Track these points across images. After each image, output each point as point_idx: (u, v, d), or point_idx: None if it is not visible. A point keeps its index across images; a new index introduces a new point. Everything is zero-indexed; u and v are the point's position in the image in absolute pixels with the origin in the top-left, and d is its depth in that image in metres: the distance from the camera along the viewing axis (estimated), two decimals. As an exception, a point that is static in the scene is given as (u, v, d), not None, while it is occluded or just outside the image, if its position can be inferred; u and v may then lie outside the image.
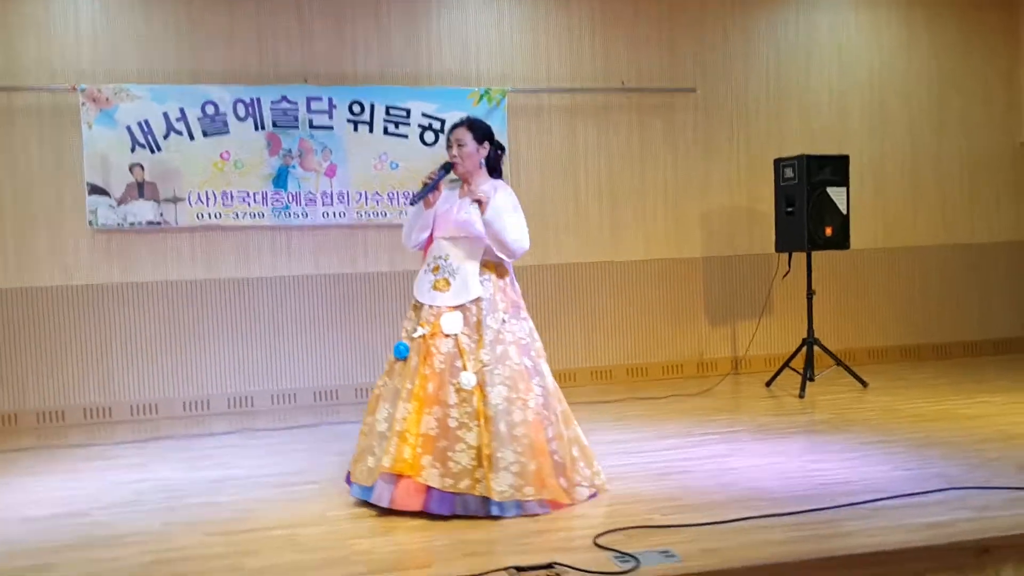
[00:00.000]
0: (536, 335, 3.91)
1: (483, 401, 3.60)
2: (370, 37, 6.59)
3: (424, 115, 6.59)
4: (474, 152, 3.85)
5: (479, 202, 3.70)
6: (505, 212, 3.74)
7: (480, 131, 3.89)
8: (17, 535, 3.57)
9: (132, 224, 6.18)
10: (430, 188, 3.79)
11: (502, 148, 4.04)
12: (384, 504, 3.56)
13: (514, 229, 3.75)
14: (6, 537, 3.55)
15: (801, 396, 5.91)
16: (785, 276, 6.56)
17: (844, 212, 6.17)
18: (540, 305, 6.82)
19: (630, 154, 7.03)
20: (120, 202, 6.17)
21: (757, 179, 7.05)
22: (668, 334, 7.12)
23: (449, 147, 3.88)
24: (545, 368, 3.87)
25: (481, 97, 6.66)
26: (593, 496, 3.76)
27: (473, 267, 3.77)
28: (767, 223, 6.89)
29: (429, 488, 3.54)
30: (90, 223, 6.12)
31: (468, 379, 3.62)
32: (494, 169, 3.98)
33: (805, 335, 6.32)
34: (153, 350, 6.27)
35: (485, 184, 3.87)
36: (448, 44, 6.73)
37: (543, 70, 6.88)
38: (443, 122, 6.56)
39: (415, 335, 3.73)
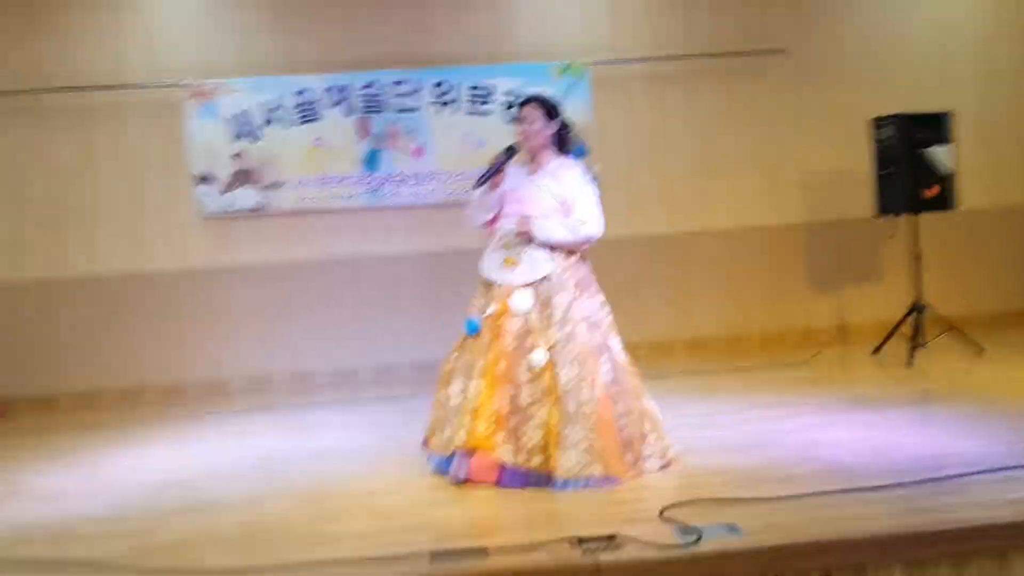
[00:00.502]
0: (607, 310, 3.92)
1: (554, 379, 3.64)
2: (452, 17, 6.67)
3: (508, 92, 6.61)
4: (542, 129, 3.86)
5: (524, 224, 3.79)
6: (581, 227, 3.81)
7: (549, 108, 3.90)
8: (128, 501, 3.85)
9: (236, 210, 6.46)
10: (492, 173, 3.82)
11: (570, 125, 4.02)
12: (461, 477, 3.65)
13: (574, 226, 3.81)
14: (119, 503, 3.82)
15: (909, 364, 5.70)
16: (891, 238, 6.28)
17: (947, 171, 5.88)
18: (631, 278, 6.80)
19: (719, 121, 6.89)
20: (225, 190, 6.44)
21: (855, 140, 6.78)
22: (768, 303, 6.96)
23: (518, 123, 3.89)
24: (615, 343, 3.88)
25: (564, 71, 6.64)
26: (665, 467, 3.77)
27: (542, 244, 3.79)
28: (868, 186, 6.64)
29: (502, 464, 3.61)
30: (198, 211, 6.42)
31: (539, 357, 3.66)
32: (563, 147, 3.98)
33: (914, 301, 6.06)
34: (261, 328, 6.56)
35: (554, 161, 3.87)
36: (528, 19, 6.74)
37: (626, 40, 6.80)
38: (529, 98, 6.58)
39: (486, 313, 3.78)
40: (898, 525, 2.89)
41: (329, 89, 6.51)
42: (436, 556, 2.91)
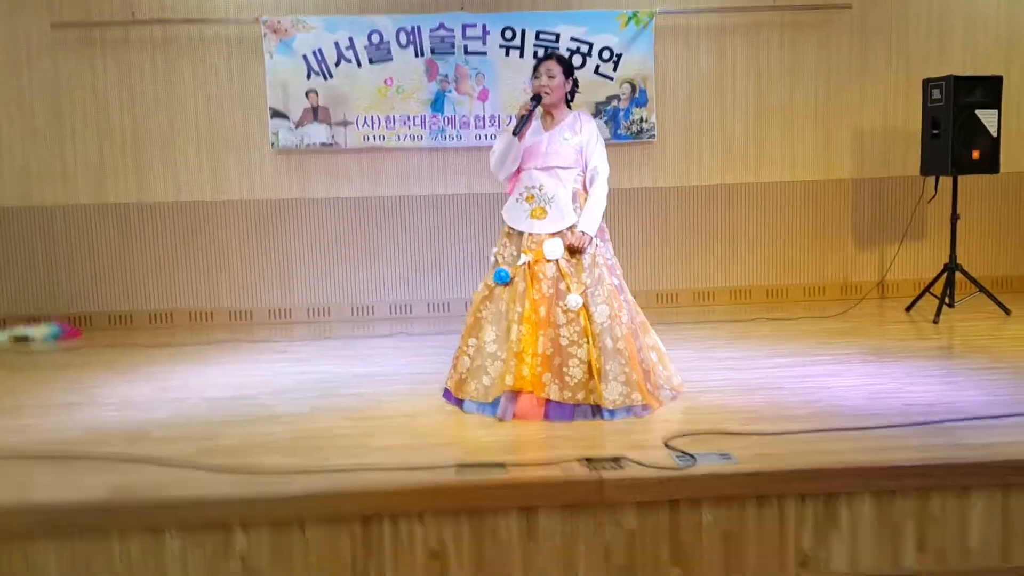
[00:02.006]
0: (613, 253, 4.31)
1: (589, 320, 4.03)
2: (522, -37, 6.93)
3: (573, 39, 6.89)
4: (561, 84, 4.16)
5: (578, 240, 4.08)
6: (598, 183, 4.16)
7: (567, 65, 4.20)
8: (195, 412, 4.37)
9: (308, 145, 6.90)
10: (527, 119, 4.08)
11: (577, 83, 4.32)
12: (508, 418, 3.97)
13: (601, 193, 4.17)
14: (186, 413, 4.35)
15: (935, 321, 5.94)
16: (931, 200, 6.48)
17: (994, 135, 6.01)
18: (681, 226, 7.11)
19: (780, 74, 7.07)
20: (297, 125, 6.89)
21: (914, 100, 6.89)
22: (812, 256, 7.21)
23: (537, 77, 4.14)
24: (624, 285, 4.28)
25: (629, 20, 6.87)
26: (674, 398, 4.21)
27: (566, 195, 4.14)
28: (918, 145, 6.76)
29: (548, 400, 3.99)
30: (272, 144, 6.89)
31: (575, 301, 4.02)
32: (570, 103, 4.30)
33: (947, 261, 6.27)
34: (326, 260, 7.05)
35: (569, 115, 4.22)
36: (597, -32, 6.97)
37: (691, -10, 7.00)
38: (591, 45, 6.86)
39: (520, 262, 4.09)
40: (870, 460, 3.24)
41: (400, 31, 6.84)
42: (461, 468, 3.35)
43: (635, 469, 3.25)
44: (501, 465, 3.35)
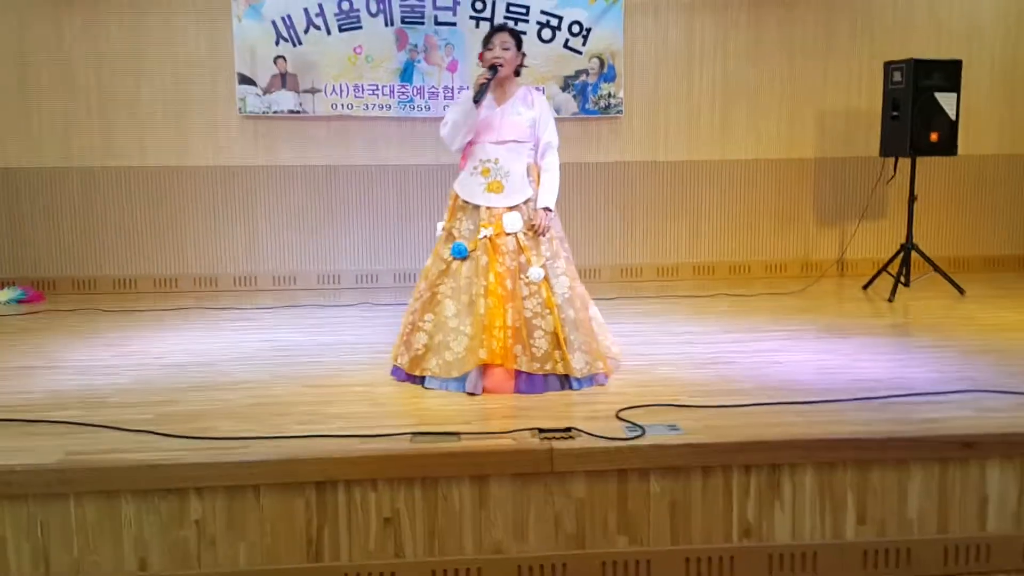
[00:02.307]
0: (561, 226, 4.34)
1: (550, 291, 4.09)
2: (494, -65, 6.89)
3: (543, 12, 6.88)
4: (514, 57, 4.15)
5: (542, 217, 4.13)
6: (551, 156, 4.21)
7: (519, 38, 4.19)
8: (155, 377, 4.38)
9: (275, 112, 6.86)
10: (486, 88, 4.05)
11: (525, 56, 4.30)
12: (479, 392, 3.95)
13: (557, 167, 4.22)
14: (146, 378, 4.36)
15: (890, 300, 6.04)
16: (889, 181, 6.58)
17: (953, 118, 6.10)
18: (646, 201, 7.16)
19: (746, 52, 7.10)
20: (265, 91, 6.84)
21: (877, 81, 6.94)
22: (774, 234, 7.29)
23: (491, 48, 4.10)
24: (571, 257, 4.32)
25: (598, -5, 6.87)
26: (617, 367, 4.32)
27: (521, 169, 4.16)
28: (878, 127, 6.85)
29: (519, 373, 4.02)
30: (239, 109, 6.84)
31: (537, 273, 4.07)
32: (518, 75, 4.29)
33: (903, 241, 6.38)
34: (293, 228, 7.03)
35: (519, 89, 4.23)
36: (568, -59, 6.94)
37: (661, -33, 7.00)
38: (561, 19, 6.86)
39: (480, 235, 4.09)
40: (813, 432, 3.32)
41: (370, -1, 6.82)
42: (415, 436, 3.39)
43: (585, 439, 3.30)
44: (455, 434, 3.39)
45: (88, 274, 6.92)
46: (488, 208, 4.13)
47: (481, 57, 4.19)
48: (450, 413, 3.74)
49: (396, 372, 4.24)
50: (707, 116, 7.15)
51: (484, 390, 3.98)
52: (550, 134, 4.21)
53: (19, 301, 6.45)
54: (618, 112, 7.02)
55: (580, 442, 3.28)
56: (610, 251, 7.21)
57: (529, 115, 4.17)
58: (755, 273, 7.29)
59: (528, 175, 4.18)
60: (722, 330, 5.28)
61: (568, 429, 3.40)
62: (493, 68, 4.09)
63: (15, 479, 3.12)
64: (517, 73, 4.26)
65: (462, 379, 4.01)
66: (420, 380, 4.12)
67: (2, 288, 6.58)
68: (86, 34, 6.74)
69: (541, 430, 3.40)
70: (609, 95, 6.99)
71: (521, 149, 4.18)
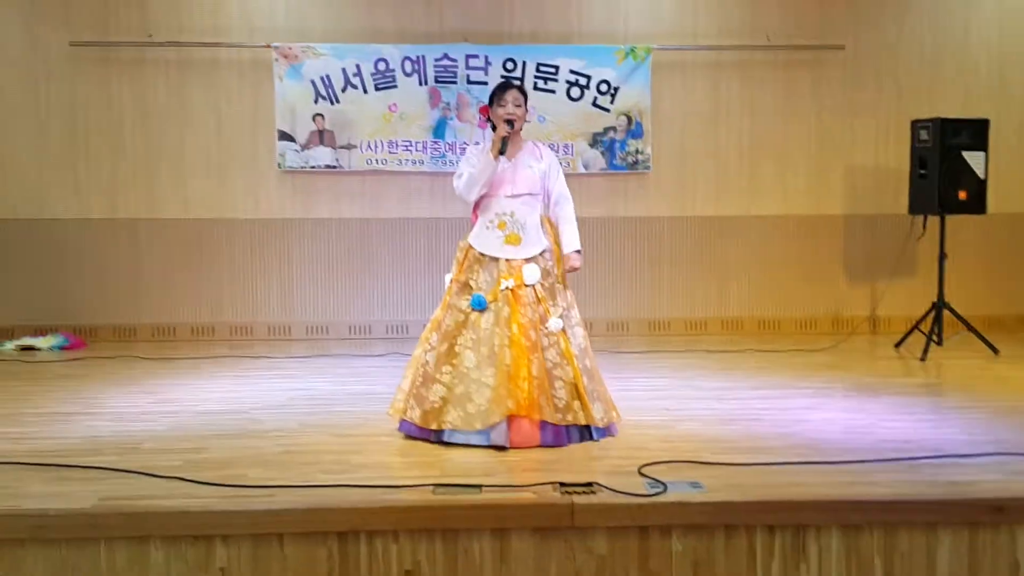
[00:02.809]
0: None
1: (567, 342, 4.10)
2: (527, -1, 7.02)
3: (572, 71, 6.96)
4: (524, 114, 4.21)
5: (576, 260, 4.21)
6: (569, 207, 4.27)
7: (526, 96, 4.25)
8: (189, 424, 4.42)
9: (313, 166, 6.98)
10: (507, 143, 4.09)
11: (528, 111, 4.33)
12: (506, 444, 3.89)
13: (574, 214, 4.28)
14: (181, 425, 4.40)
15: (922, 359, 5.94)
16: (919, 239, 6.51)
17: (981, 176, 6.05)
18: (674, 255, 7.15)
19: (773, 110, 7.12)
20: (304, 147, 6.97)
21: (905, 139, 6.91)
22: (803, 290, 7.23)
23: (503, 105, 4.12)
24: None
25: (627, 54, 6.94)
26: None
27: (536, 221, 4.19)
28: (906, 184, 6.80)
29: (544, 424, 3.99)
30: (278, 164, 6.97)
31: (557, 324, 4.10)
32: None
33: (935, 299, 6.29)
34: (326, 278, 7.11)
35: (526, 144, 4.28)
36: (599, 2, 7.03)
37: (689, 27, 7.06)
38: (589, 78, 6.93)
39: (502, 287, 4.08)
40: (838, 493, 3.25)
41: (406, 59, 6.92)
42: (438, 488, 3.37)
43: (606, 495, 3.26)
44: (476, 487, 3.37)
45: (128, 322, 7.03)
46: (507, 260, 4.14)
47: (484, 111, 4.26)
48: (472, 465, 3.72)
49: (405, 426, 4.11)
50: (734, 172, 7.15)
51: (512, 442, 3.93)
52: (562, 185, 4.28)
53: (61, 348, 6.56)
54: (646, 168, 7.05)
55: (601, 497, 3.25)
56: (638, 305, 7.19)
57: (540, 168, 4.22)
58: (785, 329, 7.22)
59: (542, 227, 4.22)
60: (750, 386, 5.22)
61: (589, 484, 3.36)
62: (510, 123, 4.13)
63: (49, 523, 3.14)
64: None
65: (486, 431, 3.94)
66: (436, 434, 4.01)
67: (45, 335, 6.69)
68: (134, 93, 6.94)
69: (562, 484, 3.37)
70: (637, 151, 7.03)
71: (534, 202, 4.22)
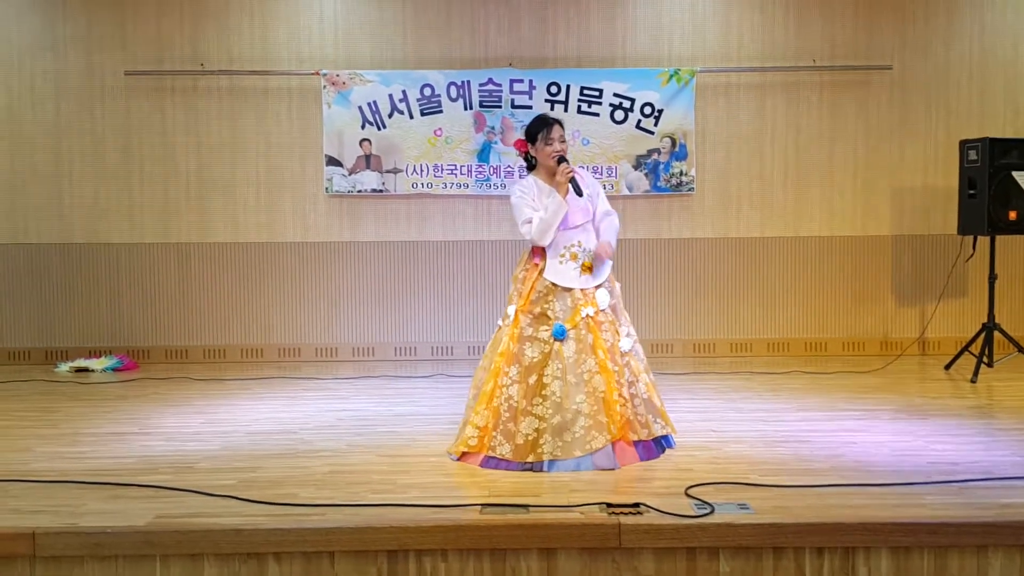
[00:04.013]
0: None
1: (635, 359, 4.27)
2: (571, 21, 7.10)
3: (616, 95, 7.01)
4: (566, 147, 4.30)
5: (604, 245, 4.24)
6: (613, 217, 4.39)
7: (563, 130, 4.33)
8: (241, 444, 4.53)
9: (360, 191, 7.10)
10: (576, 182, 4.19)
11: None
12: (616, 467, 3.95)
13: (616, 221, 4.39)
14: (232, 445, 4.51)
15: (973, 381, 5.87)
16: (968, 259, 6.44)
17: (1029, 197, 5.99)
18: (718, 277, 7.15)
19: (819, 131, 7.12)
20: (351, 172, 7.09)
21: (954, 159, 6.86)
22: (851, 311, 7.19)
23: (550, 143, 4.19)
24: None
25: (671, 77, 6.98)
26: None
27: (594, 246, 4.28)
28: (955, 204, 6.74)
29: (636, 442, 4.10)
30: (326, 189, 7.10)
31: (627, 343, 4.24)
32: None
33: (985, 320, 6.22)
34: (373, 300, 7.21)
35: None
36: (643, 26, 7.10)
37: (733, 49, 7.09)
38: (633, 101, 6.98)
39: (582, 315, 4.12)
40: (887, 515, 3.23)
41: (451, 84, 7.04)
42: (485, 508, 3.42)
43: (653, 516, 3.28)
44: (524, 507, 3.41)
45: (180, 344, 7.18)
46: (582, 289, 4.20)
47: (520, 146, 4.31)
48: (520, 486, 3.75)
49: (491, 463, 4.04)
50: (779, 193, 7.15)
51: (616, 465, 3.98)
52: (606, 204, 4.39)
53: (115, 369, 6.73)
54: (689, 189, 7.08)
55: (648, 518, 3.27)
56: (682, 326, 7.19)
57: (587, 194, 4.27)
58: (832, 351, 7.18)
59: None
60: (796, 408, 5.22)
61: (636, 505, 3.38)
62: (563, 159, 4.20)
63: (106, 540, 3.24)
64: None
65: (587, 457, 3.96)
66: (536, 466, 3.97)
67: (99, 357, 6.87)
68: (186, 120, 7.13)
69: (609, 505, 3.40)
70: (680, 173, 7.06)
71: (591, 228, 4.31)
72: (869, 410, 5.13)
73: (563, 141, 4.23)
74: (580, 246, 4.23)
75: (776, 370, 6.48)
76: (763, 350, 7.19)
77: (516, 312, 4.24)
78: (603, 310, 4.19)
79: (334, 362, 7.11)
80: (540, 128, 4.24)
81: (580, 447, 3.95)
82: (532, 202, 4.23)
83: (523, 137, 4.35)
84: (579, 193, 4.16)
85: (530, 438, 4.01)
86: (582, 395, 4.02)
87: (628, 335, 4.26)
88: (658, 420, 4.20)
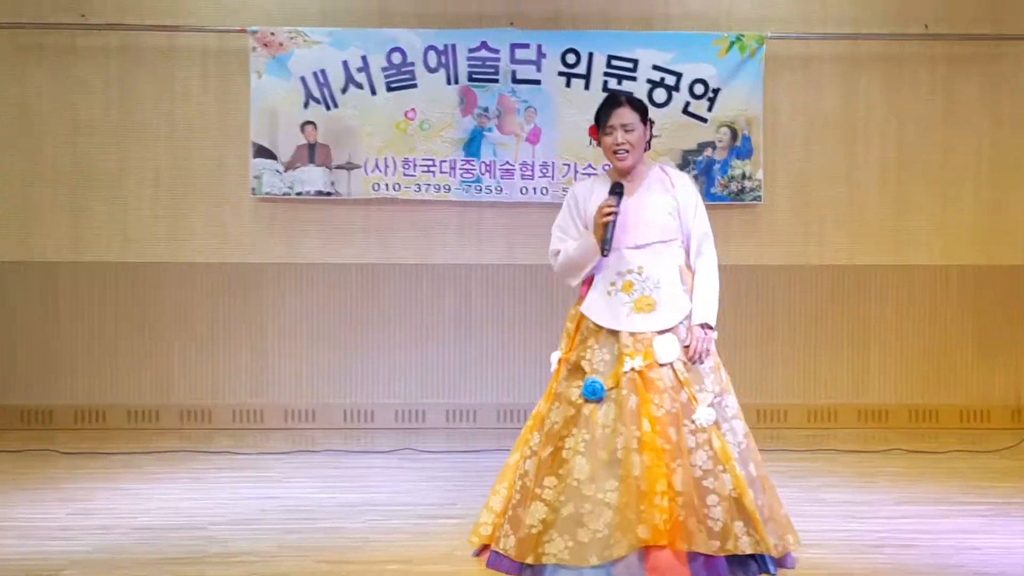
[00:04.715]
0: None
1: (722, 440, 4.02)
2: (594, -33, 7.14)
3: (655, 67, 7.04)
4: (643, 137, 4.17)
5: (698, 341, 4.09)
6: (708, 257, 4.22)
7: (644, 109, 4.23)
8: (125, 546, 4.46)
9: (299, 193, 7.09)
10: (613, 229, 4.05)
11: (653, 125, 4.34)
12: None
13: (715, 268, 4.21)
14: (113, 547, 4.44)
15: None
16: None
17: None
18: (793, 318, 7.15)
19: (931, 121, 7.16)
20: (287, 167, 7.08)
21: (1117, 159, 6.93)
22: (972, 367, 7.20)
23: (608, 134, 4.16)
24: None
25: (731, 45, 7.01)
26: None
27: (674, 276, 4.13)
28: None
29: (693, 555, 3.90)
30: (252, 190, 7.08)
31: (707, 415, 4.00)
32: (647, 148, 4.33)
33: None
34: (315, 344, 7.18)
35: (650, 170, 4.25)
36: (691, -25, 7.15)
37: (815, 9, 7.14)
38: (679, 76, 7.01)
39: (625, 369, 4.02)
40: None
41: (429, 49, 7.03)
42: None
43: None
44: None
45: (42, 402, 7.13)
46: (631, 333, 4.09)
47: (591, 132, 4.26)
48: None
49: (495, 561, 4.06)
50: (876, 205, 7.17)
51: None
52: (700, 223, 4.23)
53: (-48, 437, 6.67)
54: (755, 199, 7.09)
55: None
56: (743, 385, 7.01)
57: (670, 203, 4.17)
58: (945, 422, 7.16)
59: (683, 283, 4.16)
60: (896, 500, 5.20)
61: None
62: (617, 190, 4.10)
63: None
64: (648, 147, 4.29)
65: (605, 567, 3.87)
66: (533, 570, 3.96)
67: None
68: (57, 92, 7.09)
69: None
70: (743, 176, 7.07)
71: (668, 251, 4.17)
72: (996, 503, 5.11)
73: (630, 131, 4.12)
74: (641, 274, 4.12)
75: (870, 447, 6.46)
76: (852, 420, 7.17)
77: (559, 361, 4.25)
78: (664, 364, 4.04)
79: (259, 430, 7.07)
80: (601, 110, 4.22)
81: (599, 553, 3.85)
82: (572, 220, 4.24)
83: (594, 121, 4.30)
84: (605, 251, 4.06)
85: (535, 531, 3.95)
86: (614, 481, 3.92)
87: (714, 404, 4.04)
88: (751, 532, 3.93)
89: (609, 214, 4.03)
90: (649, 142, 4.29)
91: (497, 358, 7.17)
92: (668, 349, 4.04)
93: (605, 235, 4.03)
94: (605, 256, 4.09)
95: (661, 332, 4.07)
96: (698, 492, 3.93)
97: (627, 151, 4.14)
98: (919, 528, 4.68)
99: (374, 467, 5.99)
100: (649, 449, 3.91)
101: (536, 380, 7.07)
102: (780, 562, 4.04)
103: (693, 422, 3.99)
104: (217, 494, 5.33)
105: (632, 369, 4.01)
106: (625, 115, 4.14)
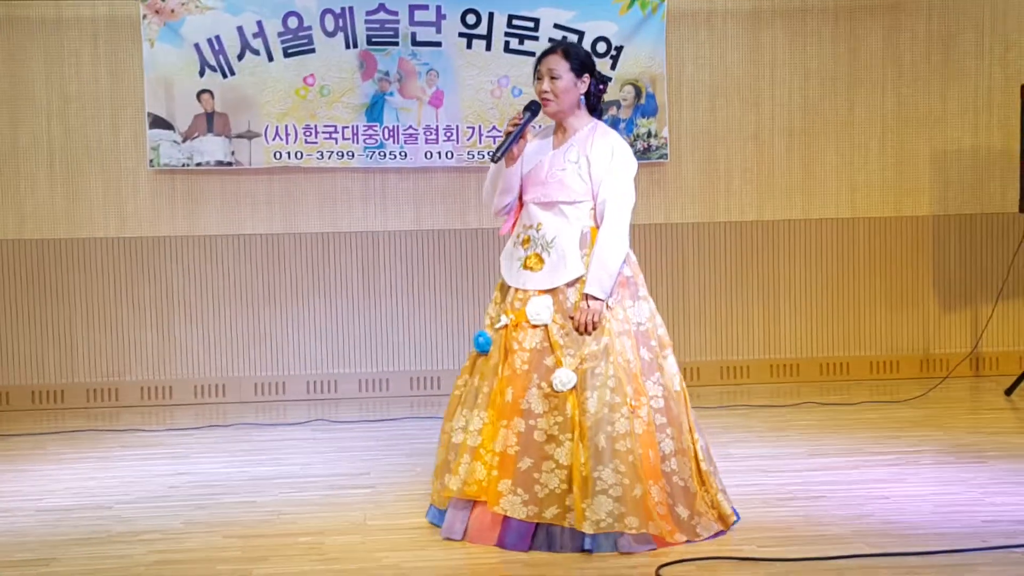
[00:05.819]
0: (659, 320, 4.28)
1: (579, 408, 3.97)
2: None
3: (556, 26, 7.04)
4: (571, 87, 4.13)
5: (582, 313, 4.01)
6: (608, 222, 4.10)
7: (579, 60, 4.17)
8: (26, 526, 4.42)
9: (199, 164, 7.01)
10: (513, 139, 4.08)
11: (606, 80, 4.39)
12: (457, 537, 4.05)
13: (614, 236, 4.07)
14: (16, 528, 4.40)
15: (1046, 409, 6.06)
16: (1036, 245, 6.62)
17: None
18: (703, 276, 7.22)
19: (836, 74, 7.23)
20: (185, 137, 6.99)
21: (1014, 112, 7.02)
22: (880, 320, 7.33)
23: (539, 80, 4.18)
24: (670, 363, 4.22)
25: (632, 2, 7.04)
26: (719, 533, 4.05)
27: (573, 237, 4.09)
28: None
29: (507, 518, 3.97)
30: (151, 162, 6.98)
31: (565, 378, 3.97)
32: (595, 108, 4.32)
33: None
34: (222, 318, 7.12)
35: (584, 128, 4.20)
36: (591, -68, 7.16)
37: (716, -35, 7.20)
38: (581, 35, 7.02)
39: (497, 325, 4.14)
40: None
41: (326, 13, 6.96)
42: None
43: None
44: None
45: (-58, 386, 7.02)
46: (516, 290, 4.14)
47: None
48: (424, 572, 3.75)
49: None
50: (783, 160, 7.25)
51: (466, 535, 4.04)
52: (609, 187, 4.10)
53: None
54: (662, 157, 7.15)
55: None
56: (656, 346, 7.22)
57: (583, 163, 4.11)
58: (855, 374, 7.30)
59: (583, 247, 4.10)
60: (808, 452, 5.30)
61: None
62: (531, 107, 4.15)
63: None
64: (596, 102, 4.30)
65: (440, 513, 4.17)
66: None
67: None
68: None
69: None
70: (649, 134, 7.12)
71: (574, 212, 4.12)
72: (905, 452, 5.23)
73: (555, 78, 4.09)
74: (539, 231, 4.14)
75: (781, 402, 6.58)
76: (764, 375, 7.29)
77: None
78: (536, 326, 4.05)
79: (167, 406, 7.00)
80: (536, 61, 4.24)
81: (440, 499, 4.22)
82: None
83: None
84: (495, 157, 4.11)
85: (435, 472, 4.33)
86: (467, 430, 4.13)
87: (583, 369, 3.97)
88: (577, 507, 3.89)
89: (512, 128, 4.11)
90: (595, 99, 4.30)
91: (408, 325, 7.17)
92: (540, 311, 4.06)
93: (503, 143, 4.09)
94: (495, 163, 4.18)
95: (545, 292, 4.08)
96: (534, 455, 3.98)
97: (549, 99, 4.14)
98: (829, 479, 4.78)
99: (286, 439, 5.98)
100: (490, 407, 4.07)
101: (448, 346, 7.14)
102: (620, 541, 3.90)
103: (550, 385, 4.00)
104: (125, 472, 5.30)
105: (503, 326, 4.12)
106: (552, 61, 4.14)
